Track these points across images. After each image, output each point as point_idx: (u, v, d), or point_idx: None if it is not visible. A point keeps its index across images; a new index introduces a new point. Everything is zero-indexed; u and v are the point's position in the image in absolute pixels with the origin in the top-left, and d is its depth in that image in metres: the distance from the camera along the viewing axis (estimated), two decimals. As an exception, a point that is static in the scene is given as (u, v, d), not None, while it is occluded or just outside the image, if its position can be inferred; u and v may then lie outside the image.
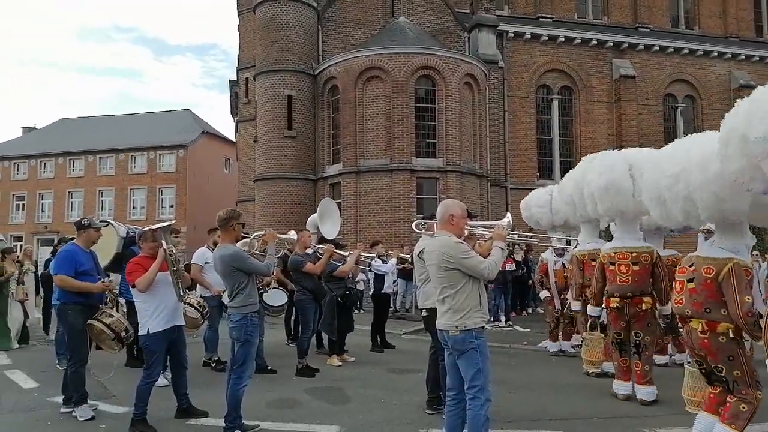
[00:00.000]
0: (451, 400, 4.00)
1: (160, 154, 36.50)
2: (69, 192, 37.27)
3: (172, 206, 35.78)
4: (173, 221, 5.11)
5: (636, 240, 6.02)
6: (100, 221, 6.13)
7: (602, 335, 6.71)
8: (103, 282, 5.32)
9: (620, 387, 5.92)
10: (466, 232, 4.25)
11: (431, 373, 5.30)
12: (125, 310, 6.28)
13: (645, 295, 5.75)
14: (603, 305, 6.17)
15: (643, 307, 5.72)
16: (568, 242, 6.90)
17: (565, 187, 7.49)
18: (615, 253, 5.93)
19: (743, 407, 3.98)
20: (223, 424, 4.50)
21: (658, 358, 7.64)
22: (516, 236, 5.99)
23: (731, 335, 3.99)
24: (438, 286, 3.93)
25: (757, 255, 8.64)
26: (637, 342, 5.76)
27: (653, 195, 4.73)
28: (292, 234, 6.13)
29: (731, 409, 4.01)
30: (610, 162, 6.06)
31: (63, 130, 40.56)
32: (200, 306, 6.35)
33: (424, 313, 5.28)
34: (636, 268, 5.75)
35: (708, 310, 4.08)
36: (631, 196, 5.72)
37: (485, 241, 4.42)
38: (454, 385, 3.98)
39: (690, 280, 4.24)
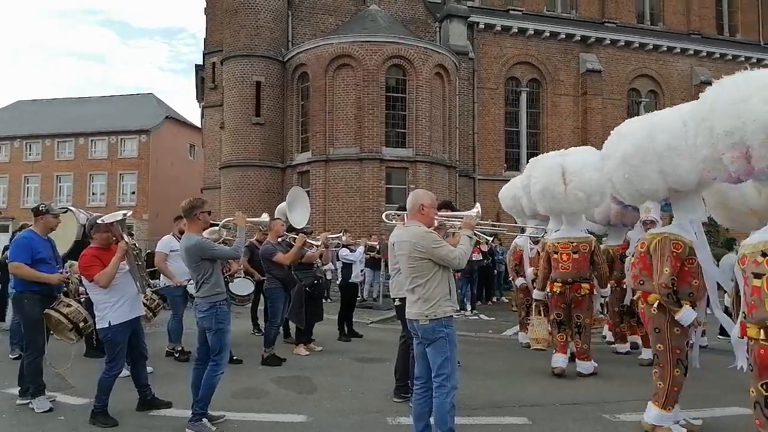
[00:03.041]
0: (419, 389, 4.01)
1: (121, 139, 35.45)
2: (25, 177, 35.93)
3: (133, 193, 34.88)
4: (127, 212, 4.92)
5: (578, 232, 6.63)
6: (60, 207, 5.90)
7: (545, 318, 7.24)
8: (61, 273, 5.14)
9: (557, 359, 6.50)
10: (436, 223, 4.25)
11: (400, 362, 5.32)
12: (86, 297, 6.07)
13: (584, 281, 6.38)
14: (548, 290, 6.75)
15: (582, 292, 6.37)
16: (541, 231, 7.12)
17: (516, 185, 8.24)
18: (558, 243, 6.55)
19: (660, 384, 4.36)
20: (191, 412, 4.43)
21: (620, 347, 7.92)
22: (490, 226, 6.10)
23: (661, 307, 4.33)
24: (408, 275, 3.93)
25: None
26: (578, 323, 6.45)
27: (595, 190, 5.94)
28: (265, 217, 6.01)
29: (653, 387, 4.43)
30: (546, 168, 6.69)
31: (19, 113, 38.90)
32: (150, 301, 6.11)
33: (396, 302, 5.28)
34: (576, 256, 6.38)
35: (642, 282, 4.54)
36: (564, 198, 6.36)
37: (455, 231, 4.44)
38: (422, 374, 4.00)
39: (633, 255, 4.80)
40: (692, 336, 4.49)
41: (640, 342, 7.59)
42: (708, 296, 4.40)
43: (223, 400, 5.01)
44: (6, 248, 9.34)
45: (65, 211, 6.15)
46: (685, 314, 4.24)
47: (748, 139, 2.57)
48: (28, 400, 4.94)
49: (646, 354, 7.25)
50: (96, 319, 4.74)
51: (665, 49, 23.13)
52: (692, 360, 4.69)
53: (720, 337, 8.07)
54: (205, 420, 4.41)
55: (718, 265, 7.13)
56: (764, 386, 2.79)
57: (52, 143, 35.88)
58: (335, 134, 17.35)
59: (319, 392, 5.70)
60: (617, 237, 7.85)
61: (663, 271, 4.27)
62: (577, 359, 6.48)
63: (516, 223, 9.23)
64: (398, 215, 4.92)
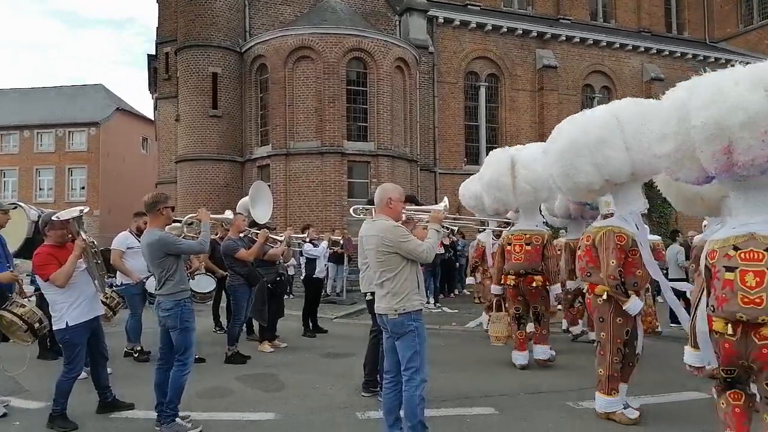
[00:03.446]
0: (388, 383, 4.02)
1: (69, 132, 34.04)
2: (-34, 171, 34.13)
3: (83, 188, 33.62)
4: (85, 209, 4.73)
5: (533, 225, 6.63)
6: (9, 203, 5.62)
7: (505, 313, 7.35)
8: (11, 271, 4.90)
9: (518, 357, 6.56)
10: (403, 216, 4.26)
11: (370, 356, 5.32)
12: (36, 297, 5.80)
13: (536, 273, 6.39)
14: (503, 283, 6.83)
15: (534, 284, 6.39)
16: (506, 224, 7.19)
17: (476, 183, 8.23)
18: (512, 235, 6.62)
19: (600, 371, 4.62)
20: (157, 413, 4.32)
21: (574, 328, 8.21)
22: (452, 220, 6.17)
23: (605, 297, 4.55)
24: (377, 269, 3.92)
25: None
26: (536, 312, 6.57)
27: (542, 185, 6.01)
28: (228, 214, 5.89)
29: (595, 376, 4.69)
30: (495, 159, 6.77)
31: (-42, 104, 36.83)
32: (110, 299, 5.89)
33: (368, 297, 5.27)
34: (528, 248, 6.42)
35: (588, 274, 4.74)
36: (511, 191, 6.41)
37: (424, 226, 4.46)
38: (391, 368, 4.01)
39: (579, 248, 4.92)
40: (638, 324, 4.71)
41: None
42: (655, 284, 4.61)
43: (188, 399, 4.87)
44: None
45: (14, 207, 5.87)
46: (633, 304, 4.49)
47: (732, 131, 2.60)
48: (-20, 406, 4.71)
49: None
50: (52, 320, 4.54)
51: (618, 46, 23.82)
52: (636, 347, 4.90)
53: (672, 325, 8.40)
54: (178, 419, 4.30)
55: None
56: (725, 371, 2.91)
57: (-5, 136, 34.14)
58: (295, 128, 17.13)
59: (286, 389, 5.65)
60: (577, 230, 8.03)
61: (609, 263, 4.47)
62: (533, 344, 6.59)
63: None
64: (366, 209, 4.91)
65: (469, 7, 22.31)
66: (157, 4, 23.30)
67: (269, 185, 15.78)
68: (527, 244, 6.40)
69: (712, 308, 2.89)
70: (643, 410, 4.63)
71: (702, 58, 24.94)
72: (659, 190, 4.94)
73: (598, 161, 4.39)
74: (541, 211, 7.76)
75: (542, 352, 6.54)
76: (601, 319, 4.63)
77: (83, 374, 5.32)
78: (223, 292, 8.15)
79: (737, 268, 2.76)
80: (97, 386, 4.79)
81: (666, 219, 18.27)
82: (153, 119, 28.51)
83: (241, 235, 7.18)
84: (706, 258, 2.96)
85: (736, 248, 2.79)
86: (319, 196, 16.65)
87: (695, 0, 27.45)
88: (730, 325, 2.77)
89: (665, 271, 8.39)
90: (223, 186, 17.98)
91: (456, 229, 8.80)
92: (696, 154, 2.76)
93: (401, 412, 3.90)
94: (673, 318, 8.35)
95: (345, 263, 13.24)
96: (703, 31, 27.59)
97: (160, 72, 23.04)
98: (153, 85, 25.84)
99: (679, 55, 24.82)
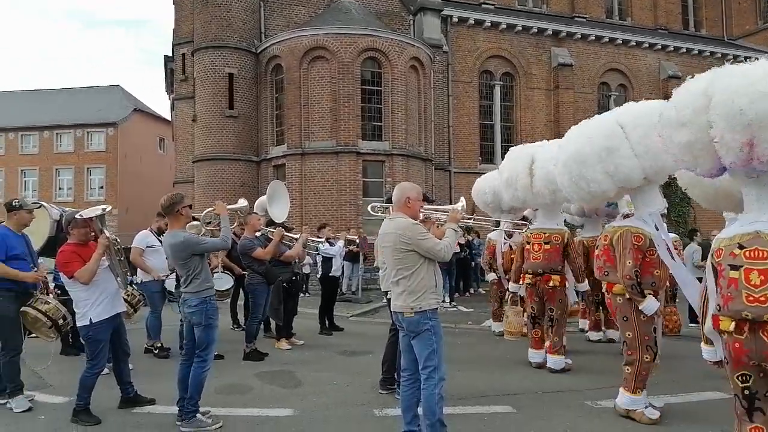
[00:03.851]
0: (405, 380, 4.04)
1: (88, 132, 34.49)
2: (-12, 171, 34.77)
3: (101, 188, 34.06)
4: (108, 207, 4.84)
5: (553, 224, 6.49)
6: (33, 203, 5.74)
7: (522, 309, 7.28)
8: (36, 271, 5.02)
9: (534, 356, 6.47)
10: (421, 216, 4.27)
11: (389, 354, 5.33)
12: (58, 293, 5.92)
13: (554, 273, 6.25)
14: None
15: (551, 284, 6.23)
16: (519, 225, 7.16)
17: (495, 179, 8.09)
18: (531, 234, 6.54)
19: (628, 369, 4.57)
20: (179, 409, 4.39)
21: (593, 335, 8.11)
22: (468, 220, 6.15)
23: (627, 296, 4.51)
24: (393, 267, 3.92)
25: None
26: (551, 316, 6.32)
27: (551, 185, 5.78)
28: (242, 202, 5.95)
29: (623, 373, 4.62)
30: (515, 157, 6.65)
31: (-20, 105, 37.54)
32: (130, 297, 5.98)
33: (388, 296, 5.26)
34: (547, 247, 6.31)
35: (606, 273, 4.72)
36: (528, 189, 6.29)
37: (440, 225, 4.47)
38: (408, 366, 4.02)
39: (597, 248, 4.89)
40: (658, 323, 4.69)
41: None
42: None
43: (207, 395, 4.94)
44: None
45: (38, 207, 5.99)
46: (649, 304, 4.46)
47: (757, 124, 2.56)
48: (6, 400, 4.82)
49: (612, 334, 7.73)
50: (76, 316, 4.64)
51: (634, 43, 23.58)
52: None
53: (691, 324, 8.32)
54: (199, 415, 4.37)
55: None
56: (740, 378, 2.85)
57: (16, 137, 34.73)
58: (311, 127, 17.22)
59: (304, 386, 5.70)
60: (593, 229, 7.99)
61: (625, 263, 4.46)
62: (547, 354, 6.34)
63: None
64: (383, 207, 4.93)
65: (483, 5, 22.23)
66: (174, 6, 23.55)
67: (285, 185, 15.94)
68: (546, 243, 6.32)
69: (718, 307, 2.86)
70: (663, 410, 4.60)
71: (720, 55, 24.60)
72: (678, 189, 4.92)
73: (608, 169, 4.39)
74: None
75: (556, 362, 6.23)
76: (625, 318, 4.60)
77: (105, 370, 5.44)
78: (241, 290, 8.23)
79: (742, 266, 2.73)
80: (119, 381, 4.88)
81: (684, 218, 18.10)
82: (170, 120, 28.82)
83: (258, 234, 7.25)
84: (712, 256, 2.94)
85: (741, 246, 2.77)
86: (334, 195, 16.72)
87: (713, -3, 27.10)
88: (735, 323, 2.74)
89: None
90: (239, 185, 18.13)
91: (470, 226, 8.81)
92: (713, 145, 2.73)
93: (419, 410, 3.92)
94: (693, 317, 8.28)
95: (360, 262, 13.30)
96: (721, 28, 27.20)
97: (176, 73, 23.26)
98: (170, 86, 26.11)
99: (697, 52, 24.50)
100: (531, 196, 6.37)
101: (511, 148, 7.12)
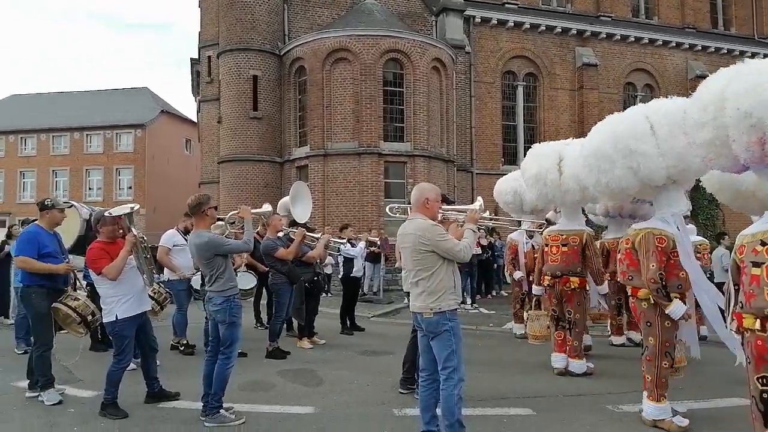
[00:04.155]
0: (424, 381, 4.05)
1: (117, 134, 35.29)
2: (21, 171, 35.77)
3: (130, 188, 34.79)
4: (137, 206, 4.97)
5: (575, 225, 6.39)
6: (64, 202, 5.92)
7: (545, 312, 7.16)
8: (67, 263, 5.17)
9: (556, 359, 6.34)
10: (439, 216, 4.29)
11: (410, 354, 5.34)
12: (87, 291, 6.10)
13: (573, 275, 6.16)
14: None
15: (571, 286, 6.15)
16: (540, 226, 7.09)
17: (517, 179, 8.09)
18: (549, 235, 6.45)
19: (648, 377, 4.47)
20: (203, 404, 4.49)
21: (616, 339, 8.02)
22: (488, 220, 6.11)
23: (651, 301, 4.40)
24: (412, 268, 3.93)
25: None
26: (569, 319, 6.23)
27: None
28: (267, 207, 6.05)
29: (643, 380, 4.52)
30: (542, 153, 6.45)
31: (14, 107, 38.62)
32: (157, 294, 6.09)
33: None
34: (565, 249, 6.23)
35: (630, 278, 4.60)
36: (557, 186, 6.11)
37: (459, 225, 4.48)
38: (427, 366, 4.03)
39: (619, 251, 4.79)
40: (683, 328, 4.58)
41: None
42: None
43: (231, 392, 5.05)
44: (2, 244, 9.34)
45: (70, 206, 6.17)
46: (675, 308, 4.33)
47: (759, 124, 2.57)
48: (38, 393, 4.99)
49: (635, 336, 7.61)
50: (103, 312, 4.78)
51: (660, 43, 23.20)
52: (692, 351, 4.79)
53: (717, 328, 8.17)
54: (222, 411, 4.47)
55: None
56: (761, 380, 2.81)
57: (48, 138, 35.69)
58: (333, 128, 17.34)
59: (325, 385, 5.77)
60: (617, 230, 7.88)
61: (649, 267, 4.34)
62: (568, 357, 6.26)
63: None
64: (401, 208, 4.96)
65: (506, 5, 22.09)
66: (200, 9, 23.95)
67: (308, 185, 16.09)
68: (563, 245, 6.24)
69: (740, 305, 2.84)
70: (687, 415, 4.54)
71: (750, 54, 23.99)
72: (705, 191, 4.84)
73: (632, 166, 4.32)
74: (583, 210, 7.57)
75: (577, 366, 6.17)
76: (648, 324, 4.48)
77: (132, 365, 5.59)
78: (264, 289, 8.35)
79: (764, 263, 2.71)
80: (146, 377, 5.01)
81: (713, 221, 17.71)
82: (196, 121, 29.29)
83: (280, 234, 7.36)
84: (734, 253, 2.91)
85: (763, 243, 2.74)
86: (356, 196, 16.81)
87: (743, -6, 26.47)
88: (759, 321, 2.71)
89: (710, 275, 8.13)
90: (263, 186, 18.35)
91: (492, 227, 8.76)
92: (730, 143, 2.73)
93: (437, 410, 3.94)
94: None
95: (382, 263, 13.35)
96: (752, 26, 26.52)
97: (202, 75, 23.66)
98: (196, 88, 26.56)
99: (726, 51, 23.98)
100: (560, 193, 6.16)
101: (533, 145, 6.95)
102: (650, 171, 4.30)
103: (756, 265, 2.74)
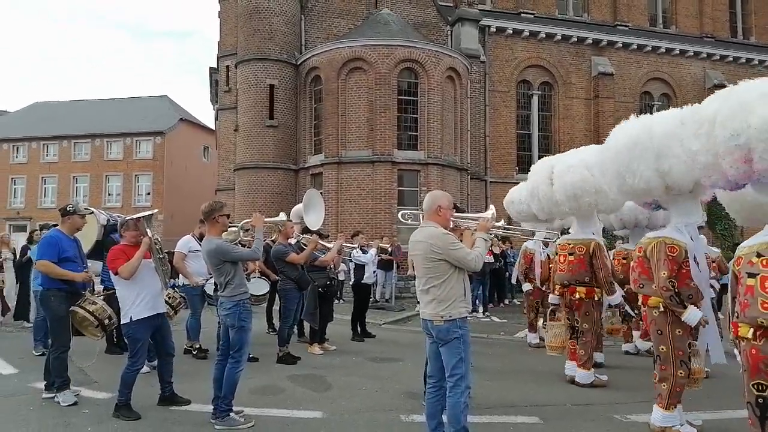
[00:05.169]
0: (431, 387, 4.08)
1: (136, 141, 35.94)
2: (42, 177, 36.53)
3: (148, 194, 35.34)
4: (156, 210, 5.12)
5: (585, 234, 6.32)
6: (85, 208, 6.08)
7: (561, 323, 7.13)
8: (86, 272, 5.31)
9: (570, 368, 6.33)
10: (451, 224, 4.32)
11: None
12: (105, 295, 6.24)
13: (580, 284, 6.13)
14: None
15: (577, 296, 6.14)
16: (551, 234, 7.11)
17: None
18: (559, 245, 6.46)
19: (663, 386, 4.41)
20: (213, 408, 4.57)
21: (626, 346, 7.99)
22: (500, 230, 6.14)
23: (662, 309, 4.38)
24: (423, 276, 3.94)
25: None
26: (577, 328, 6.22)
27: (580, 191, 5.81)
28: (282, 216, 6.16)
29: (656, 389, 4.47)
30: (536, 169, 6.59)
31: (36, 114, 39.59)
32: (171, 299, 6.15)
33: None
34: (572, 258, 6.20)
35: (641, 286, 4.59)
36: (549, 198, 6.19)
37: (472, 233, 4.51)
38: (434, 373, 4.06)
39: (633, 259, 4.82)
40: (706, 333, 4.52)
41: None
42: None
43: (241, 395, 5.13)
44: (24, 249, 9.59)
45: (90, 213, 6.33)
46: (691, 314, 4.30)
47: (752, 141, 2.65)
48: (54, 394, 5.11)
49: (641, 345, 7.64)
50: (121, 314, 4.90)
51: (678, 52, 23.04)
52: (715, 357, 4.72)
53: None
54: (232, 414, 4.56)
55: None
56: (756, 386, 2.86)
57: (69, 144, 36.45)
58: (347, 137, 17.49)
59: (334, 390, 5.82)
60: (639, 239, 7.82)
61: (660, 275, 4.33)
62: (577, 367, 6.19)
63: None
64: (413, 215, 5.01)
65: (522, 15, 22.14)
66: (219, 19, 24.38)
67: (322, 193, 16.26)
68: (570, 254, 6.23)
69: (736, 314, 2.91)
70: (702, 428, 4.50)
71: (770, 63, 23.78)
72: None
73: (663, 168, 4.25)
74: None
75: (583, 377, 6.08)
76: (659, 332, 4.46)
77: (146, 368, 5.70)
78: (277, 294, 8.43)
79: (758, 274, 2.77)
80: (161, 380, 5.11)
81: (731, 231, 17.46)
82: (214, 129, 29.72)
83: (292, 242, 7.45)
84: (732, 264, 2.98)
85: (759, 255, 2.80)
86: (370, 203, 16.91)
87: (762, 3, 26.16)
88: (752, 330, 2.78)
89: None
90: (278, 193, 18.56)
91: (504, 235, 8.76)
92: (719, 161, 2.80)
93: (444, 417, 3.98)
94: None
95: (394, 270, 13.40)
96: (773, 35, 26.27)
97: (221, 84, 24.06)
98: (214, 97, 26.98)
99: (744, 60, 23.76)
100: (555, 207, 6.31)
101: (538, 161, 7.06)
102: (680, 177, 4.20)
103: (751, 275, 2.80)
